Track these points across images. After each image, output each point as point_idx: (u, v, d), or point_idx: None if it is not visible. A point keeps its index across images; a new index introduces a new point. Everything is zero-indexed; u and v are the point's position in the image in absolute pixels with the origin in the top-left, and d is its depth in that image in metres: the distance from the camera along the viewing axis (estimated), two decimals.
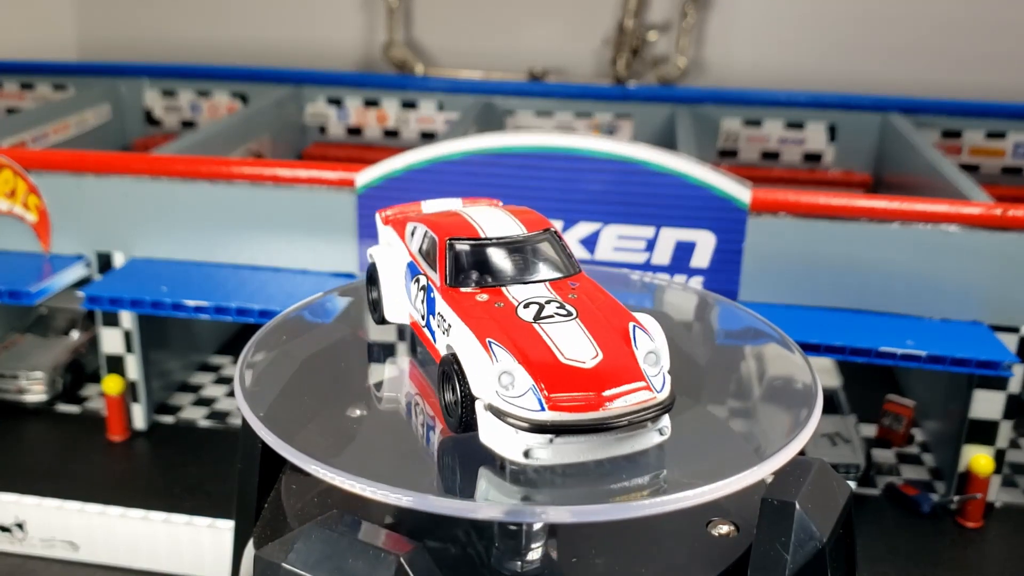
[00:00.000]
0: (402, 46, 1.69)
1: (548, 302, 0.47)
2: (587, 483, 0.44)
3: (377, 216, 0.60)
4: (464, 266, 0.50)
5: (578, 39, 1.66)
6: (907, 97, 1.51)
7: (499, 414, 0.42)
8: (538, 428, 0.41)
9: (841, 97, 1.53)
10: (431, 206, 0.59)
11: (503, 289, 0.48)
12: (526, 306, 0.47)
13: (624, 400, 0.42)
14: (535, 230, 0.52)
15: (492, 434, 0.43)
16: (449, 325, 0.47)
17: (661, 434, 0.44)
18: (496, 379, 0.42)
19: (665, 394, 0.43)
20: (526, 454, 0.42)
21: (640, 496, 0.41)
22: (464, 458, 0.45)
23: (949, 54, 1.55)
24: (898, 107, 1.50)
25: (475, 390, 0.44)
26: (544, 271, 0.50)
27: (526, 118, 1.60)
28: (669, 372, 0.45)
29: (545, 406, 0.41)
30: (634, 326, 0.45)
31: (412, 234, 0.55)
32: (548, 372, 0.42)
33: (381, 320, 0.57)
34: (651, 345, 0.44)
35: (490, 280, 0.49)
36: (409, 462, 0.45)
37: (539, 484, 0.43)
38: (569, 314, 0.46)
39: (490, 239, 0.51)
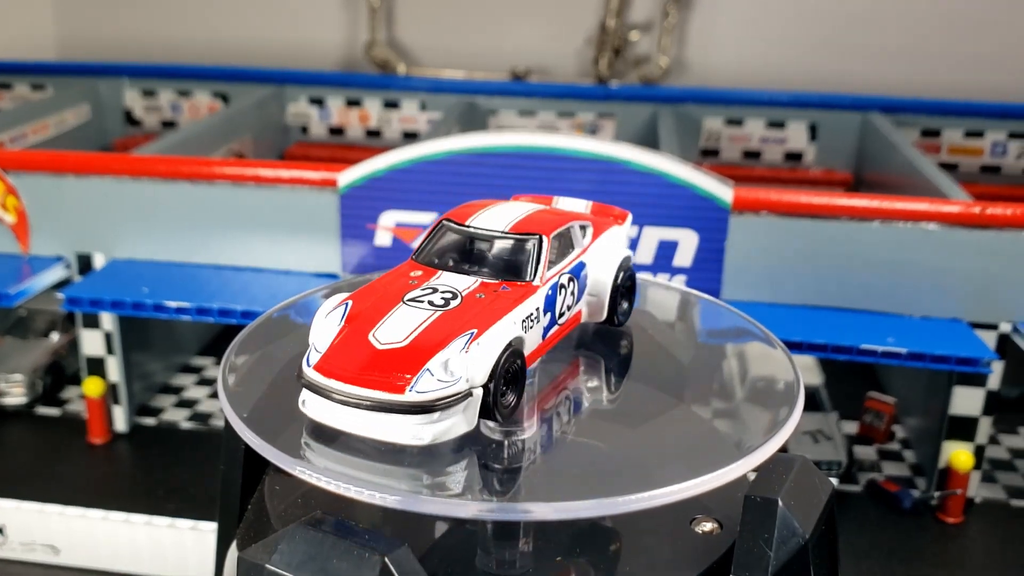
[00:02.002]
0: (384, 46, 1.69)
1: (446, 291, 0.48)
2: (572, 480, 0.44)
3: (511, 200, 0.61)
4: (432, 246, 0.52)
5: (560, 39, 1.66)
6: (887, 96, 1.53)
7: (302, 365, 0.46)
8: (300, 382, 0.45)
9: (822, 96, 1.54)
10: (561, 201, 0.61)
11: (438, 272, 0.51)
12: (424, 288, 0.49)
13: (368, 383, 0.43)
14: (519, 232, 0.52)
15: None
16: None
17: (417, 439, 0.43)
18: (317, 335, 0.46)
19: (418, 399, 0.42)
20: (302, 403, 0.46)
21: (624, 492, 0.42)
22: (446, 457, 0.45)
23: (928, 54, 1.57)
24: (878, 106, 1.51)
25: (310, 340, 0.47)
26: (491, 269, 0.51)
27: (509, 118, 1.60)
28: (486, 388, 0.44)
29: (312, 364, 0.45)
30: (468, 334, 0.44)
31: None
32: (344, 341, 0.45)
33: None
34: (453, 355, 0.44)
35: (449, 263, 0.51)
36: (392, 461, 0.45)
37: (523, 481, 0.44)
38: (444, 305, 0.47)
39: (467, 228, 0.52)
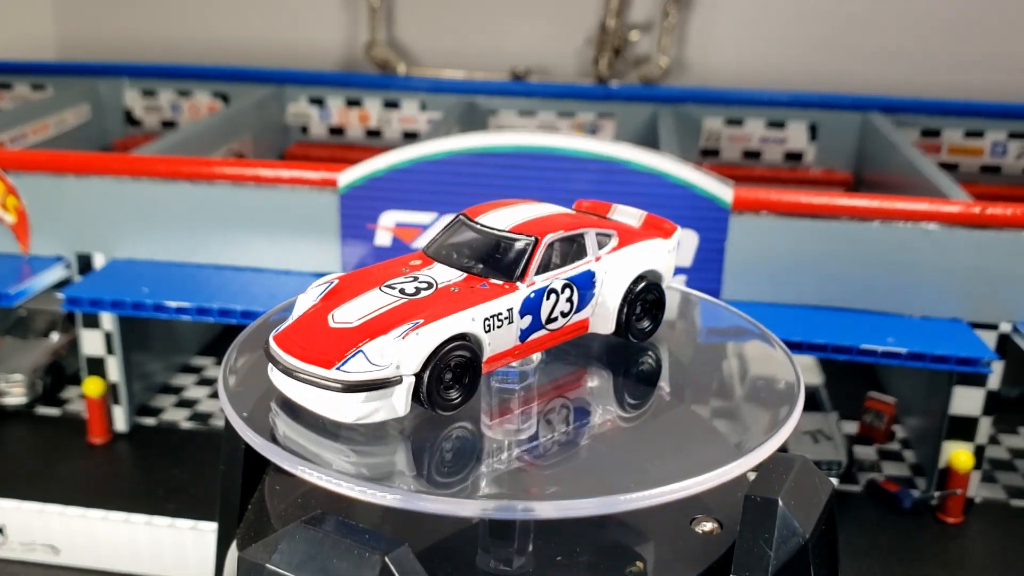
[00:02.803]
0: (384, 46, 1.69)
1: (424, 281, 0.49)
2: (572, 479, 0.44)
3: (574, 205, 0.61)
4: (443, 239, 0.53)
5: (560, 39, 1.66)
6: (887, 96, 1.53)
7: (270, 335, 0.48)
8: (264, 351, 0.48)
9: (822, 96, 1.54)
10: (617, 210, 0.60)
11: (435, 263, 0.51)
12: (407, 277, 0.50)
13: (305, 357, 0.45)
14: (520, 232, 0.51)
15: None
16: None
17: (342, 416, 0.44)
18: (296, 309, 0.49)
19: (342, 378, 0.44)
20: (270, 371, 0.48)
21: (624, 491, 0.42)
22: (446, 455, 0.45)
23: (928, 54, 1.57)
24: (878, 106, 1.51)
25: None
26: (485, 266, 0.51)
27: (509, 118, 1.60)
28: (419, 377, 0.44)
29: (273, 335, 0.48)
30: (414, 323, 0.45)
31: None
32: (308, 316, 0.48)
33: None
34: (389, 341, 0.44)
35: (453, 256, 0.52)
36: (394, 460, 0.45)
37: (523, 480, 0.44)
38: (414, 294, 0.48)
39: (472, 224, 0.53)
